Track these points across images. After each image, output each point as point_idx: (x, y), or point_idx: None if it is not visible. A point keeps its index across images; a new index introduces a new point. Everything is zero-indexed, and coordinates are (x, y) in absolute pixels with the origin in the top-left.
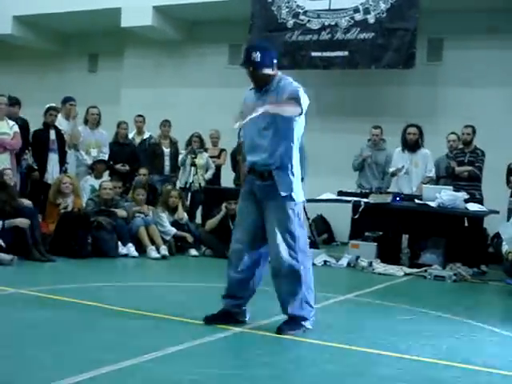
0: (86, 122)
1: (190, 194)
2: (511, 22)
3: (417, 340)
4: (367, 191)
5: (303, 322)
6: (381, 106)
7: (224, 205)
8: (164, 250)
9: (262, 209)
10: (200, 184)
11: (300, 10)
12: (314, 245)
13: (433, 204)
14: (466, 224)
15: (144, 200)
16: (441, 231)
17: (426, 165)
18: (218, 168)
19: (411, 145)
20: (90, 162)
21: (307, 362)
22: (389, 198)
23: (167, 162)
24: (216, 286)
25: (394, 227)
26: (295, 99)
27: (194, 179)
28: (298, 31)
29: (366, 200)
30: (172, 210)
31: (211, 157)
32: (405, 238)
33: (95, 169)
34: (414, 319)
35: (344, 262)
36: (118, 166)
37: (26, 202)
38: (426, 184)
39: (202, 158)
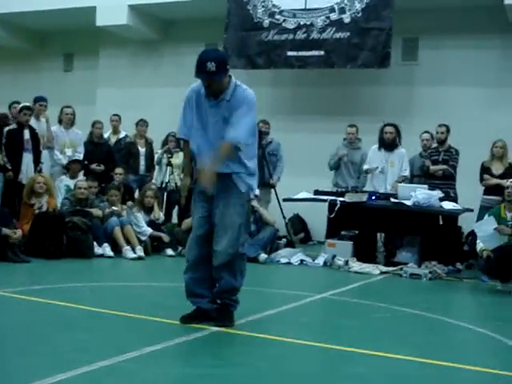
0: (60, 121)
1: (165, 194)
2: (484, 21)
3: (392, 338)
4: (343, 190)
5: (231, 308)
6: (356, 106)
7: None
8: (140, 251)
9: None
10: (176, 184)
11: (276, 10)
12: (290, 244)
13: (408, 203)
14: (441, 222)
15: (119, 200)
16: (416, 229)
17: (402, 164)
18: None
19: (388, 144)
20: (64, 161)
21: (282, 361)
22: (364, 197)
23: (142, 162)
24: None
25: (370, 226)
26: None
27: (169, 179)
28: (274, 30)
29: (341, 199)
30: (148, 210)
31: None
32: (381, 236)
33: (70, 168)
34: (390, 317)
35: (320, 260)
36: (93, 166)
37: None
38: (400, 182)
39: (177, 158)
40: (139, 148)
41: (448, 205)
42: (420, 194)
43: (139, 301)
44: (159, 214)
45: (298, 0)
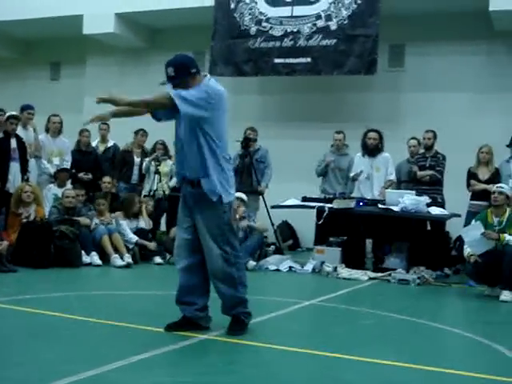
0: (47, 130)
1: (154, 202)
2: (470, 27)
3: (380, 344)
4: (331, 196)
5: (245, 320)
6: (343, 112)
7: None
8: (128, 258)
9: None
10: (164, 192)
11: (262, 17)
12: (278, 251)
13: (396, 208)
14: (429, 228)
15: (106, 209)
16: (404, 235)
17: (387, 168)
18: None
19: (371, 149)
20: (52, 170)
21: (271, 368)
22: (352, 203)
23: (136, 172)
24: None
25: (358, 232)
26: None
27: (158, 187)
28: (261, 38)
29: (329, 205)
30: (134, 217)
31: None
32: (369, 242)
33: (58, 177)
34: (378, 323)
35: (309, 267)
36: (81, 175)
37: None
38: (387, 188)
39: (166, 166)
40: (134, 157)
41: (435, 210)
42: (407, 200)
43: (127, 309)
44: (148, 222)
45: (284, 7)
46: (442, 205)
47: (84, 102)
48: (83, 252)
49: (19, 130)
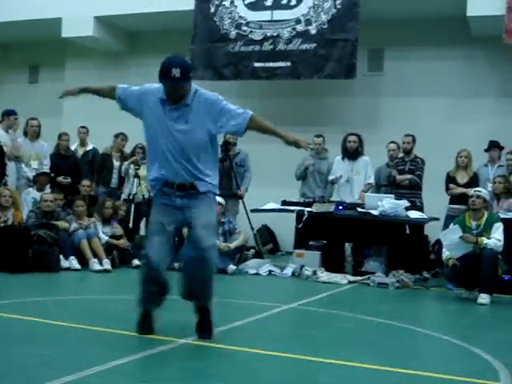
0: (25, 133)
1: (133, 206)
2: (448, 32)
3: (359, 347)
4: (310, 200)
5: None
6: (323, 116)
7: None
8: (106, 264)
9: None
10: (144, 195)
11: (242, 21)
12: (258, 255)
13: (375, 212)
14: (408, 231)
15: (84, 212)
16: (383, 239)
17: (367, 172)
18: None
19: (351, 152)
20: (30, 174)
21: (250, 372)
22: (332, 207)
23: (115, 175)
24: None
25: (338, 236)
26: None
27: (137, 191)
28: (241, 42)
29: (309, 209)
30: (106, 221)
31: None
32: (348, 246)
33: (38, 181)
34: (357, 326)
35: (289, 271)
36: (60, 179)
37: None
38: (366, 191)
39: (145, 170)
40: (114, 161)
41: (414, 214)
42: (387, 204)
43: (104, 314)
44: (117, 227)
45: (264, 12)
46: (420, 208)
47: (63, 105)
48: (62, 256)
49: (3, 135)
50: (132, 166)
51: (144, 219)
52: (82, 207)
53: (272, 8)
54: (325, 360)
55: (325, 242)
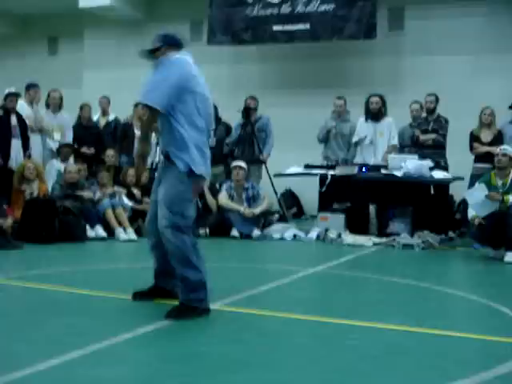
0: (47, 105)
1: (156, 174)
2: None
3: (386, 308)
4: (333, 163)
5: (193, 305)
6: (344, 78)
7: None
8: (131, 233)
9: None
10: None
11: None
12: (282, 219)
13: (398, 173)
14: (433, 192)
15: (110, 182)
16: (408, 200)
17: (390, 133)
18: None
19: (374, 114)
20: (53, 146)
21: (278, 337)
22: (355, 169)
23: (136, 144)
24: None
25: (362, 198)
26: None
27: (160, 159)
28: (259, 5)
29: (332, 172)
30: (129, 189)
31: None
32: (373, 207)
33: (61, 152)
34: (383, 288)
35: (313, 234)
36: (83, 149)
37: None
38: (390, 153)
39: None
40: (135, 130)
41: (439, 174)
42: (410, 164)
43: (132, 282)
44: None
45: None
46: (445, 168)
47: (83, 75)
48: (88, 226)
49: (26, 108)
50: (153, 134)
51: None
52: (106, 177)
53: None
54: (352, 322)
55: (349, 204)
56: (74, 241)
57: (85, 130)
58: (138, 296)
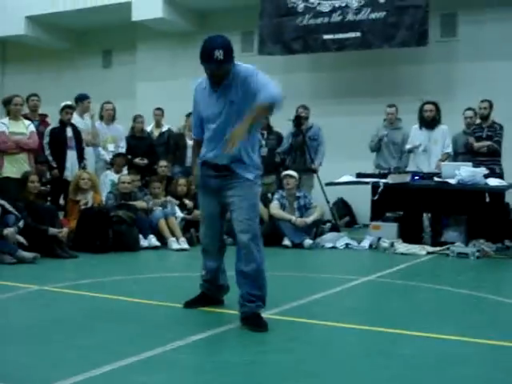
0: (101, 117)
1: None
2: None
3: (439, 318)
4: (385, 172)
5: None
6: (395, 86)
7: None
8: (183, 243)
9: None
10: None
11: None
12: (335, 228)
13: (452, 181)
14: (488, 199)
15: (162, 192)
16: (462, 208)
17: (445, 141)
18: None
19: (428, 122)
20: (107, 157)
21: (331, 345)
22: (407, 178)
23: (189, 154)
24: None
25: (415, 206)
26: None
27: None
28: (309, 14)
29: (384, 180)
30: (180, 200)
31: None
32: (426, 216)
33: (115, 163)
34: (436, 297)
35: (366, 243)
36: (137, 160)
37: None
38: (443, 161)
39: None
40: (187, 140)
41: (494, 181)
42: (464, 172)
43: (185, 291)
44: (190, 203)
45: None
46: (500, 175)
47: (136, 87)
48: (141, 236)
49: (77, 120)
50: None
51: None
52: (158, 188)
53: None
54: (404, 332)
55: (402, 213)
56: (127, 250)
57: (138, 140)
58: (191, 304)
